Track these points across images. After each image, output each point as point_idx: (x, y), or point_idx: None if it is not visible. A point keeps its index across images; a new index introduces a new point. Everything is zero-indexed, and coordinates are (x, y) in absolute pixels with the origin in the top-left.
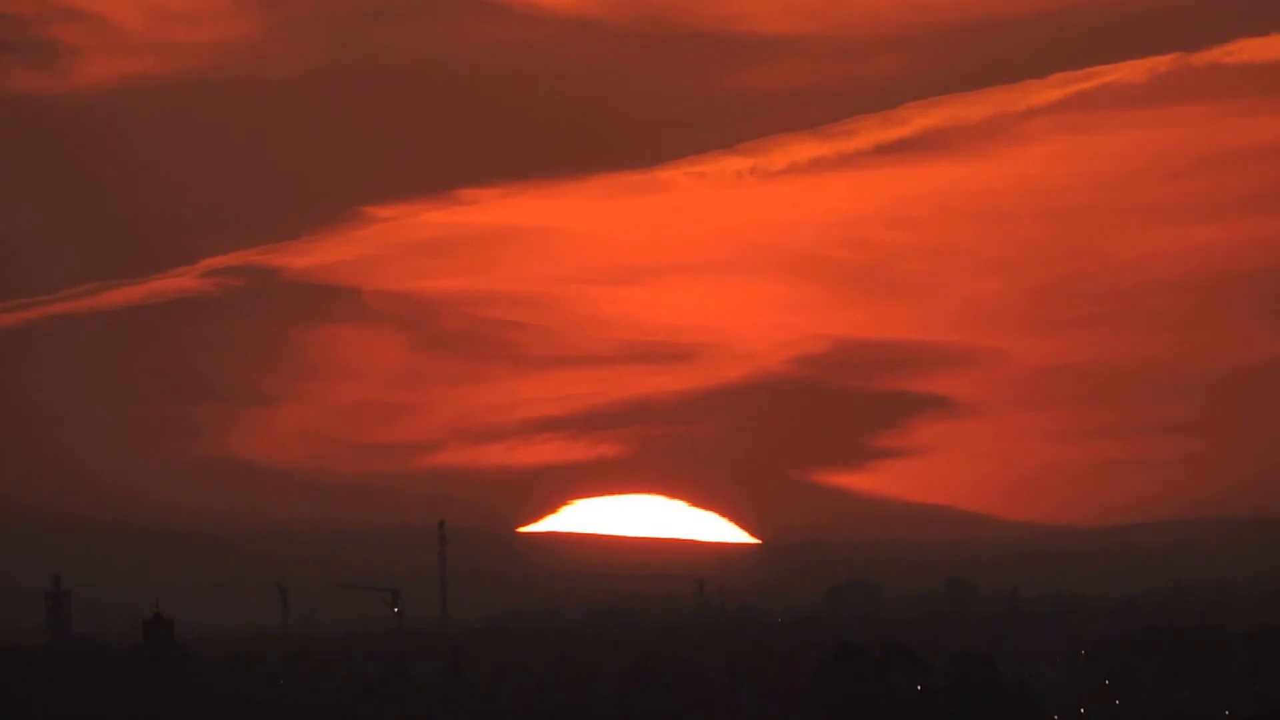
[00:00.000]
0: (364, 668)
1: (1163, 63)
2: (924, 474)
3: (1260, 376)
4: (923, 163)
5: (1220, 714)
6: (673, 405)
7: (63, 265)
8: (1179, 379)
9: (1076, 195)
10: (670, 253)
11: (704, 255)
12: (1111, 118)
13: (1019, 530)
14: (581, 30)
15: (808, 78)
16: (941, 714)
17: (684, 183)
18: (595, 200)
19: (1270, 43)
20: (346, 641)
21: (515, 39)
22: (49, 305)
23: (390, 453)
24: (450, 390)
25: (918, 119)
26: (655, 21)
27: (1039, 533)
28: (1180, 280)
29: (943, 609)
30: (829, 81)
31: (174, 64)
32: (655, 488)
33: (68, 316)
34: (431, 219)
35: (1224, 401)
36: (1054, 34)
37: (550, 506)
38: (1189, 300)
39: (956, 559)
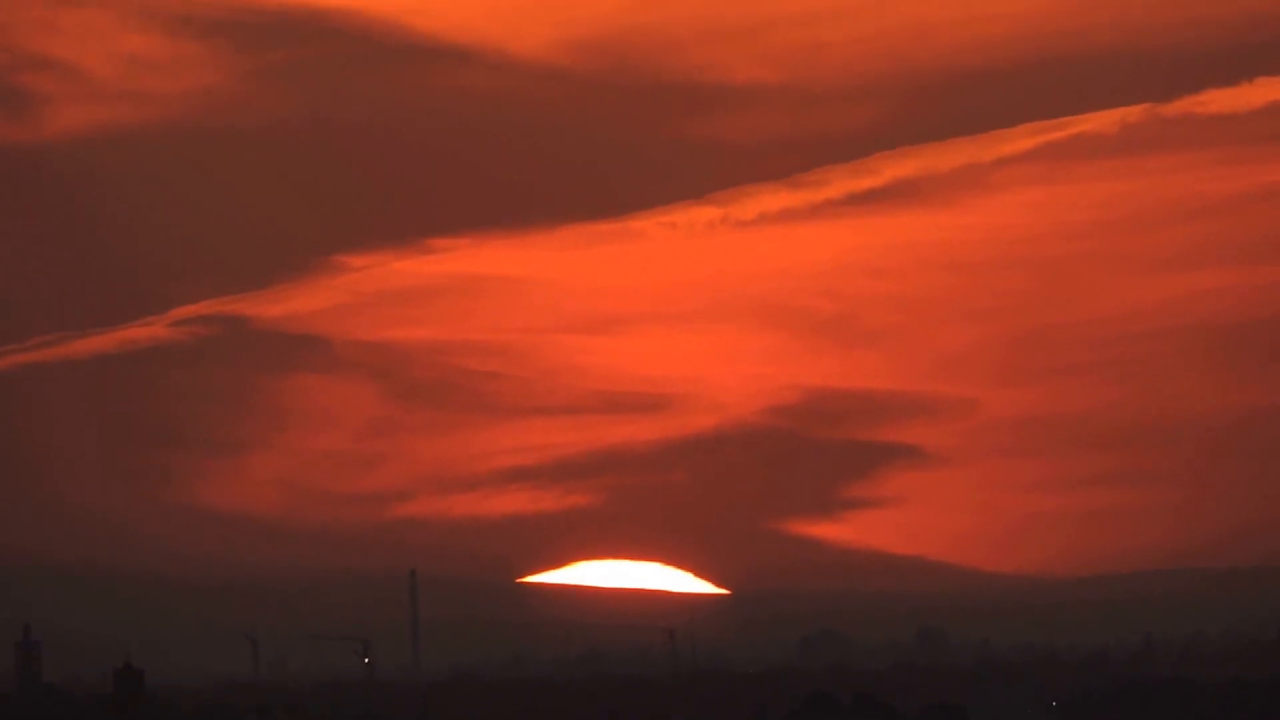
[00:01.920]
0: (334, 718)
1: (1134, 113)
2: (896, 524)
3: (1234, 427)
4: (894, 212)
5: None
6: (644, 455)
7: (32, 314)
8: (1151, 430)
9: (1048, 245)
10: (642, 302)
11: (675, 305)
12: (1083, 168)
13: (990, 581)
14: (551, 80)
15: (778, 127)
16: None
17: (655, 232)
18: (566, 250)
19: (1240, 92)
20: (316, 691)
21: (485, 89)
22: (18, 354)
23: (362, 502)
24: (422, 440)
25: (889, 169)
26: (625, 71)
27: (1010, 583)
28: (1152, 331)
29: (914, 660)
30: (800, 131)
31: (145, 113)
32: (627, 538)
33: (37, 365)
34: (403, 268)
35: (1196, 453)
36: (1024, 84)
37: (522, 556)
38: (1161, 351)
39: (928, 609)
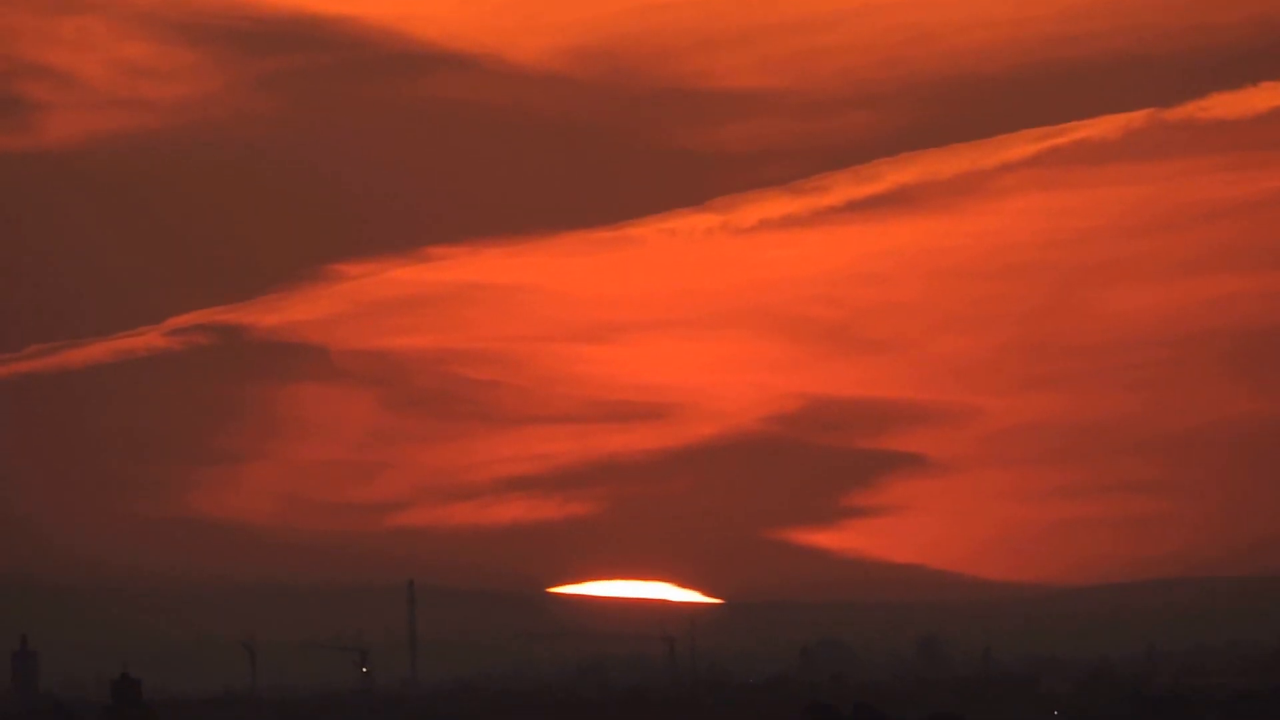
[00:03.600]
0: None
1: (1137, 118)
2: (897, 533)
3: (1240, 436)
4: (896, 219)
5: None
6: (644, 464)
7: (26, 323)
8: (1156, 436)
9: (1051, 251)
10: (641, 310)
11: (675, 313)
12: (1085, 174)
13: (992, 590)
14: (549, 87)
15: (778, 134)
16: None
17: (654, 239)
18: (565, 257)
19: (1244, 96)
20: (314, 702)
21: (482, 96)
22: (12, 364)
23: (359, 511)
24: (420, 449)
25: (890, 175)
26: (623, 78)
27: (1012, 592)
28: (1156, 337)
29: (915, 670)
30: (800, 138)
31: (141, 120)
32: (627, 547)
33: (31, 375)
34: (400, 276)
35: (1201, 461)
36: (1027, 90)
37: (521, 566)
38: (1166, 357)
39: (929, 619)
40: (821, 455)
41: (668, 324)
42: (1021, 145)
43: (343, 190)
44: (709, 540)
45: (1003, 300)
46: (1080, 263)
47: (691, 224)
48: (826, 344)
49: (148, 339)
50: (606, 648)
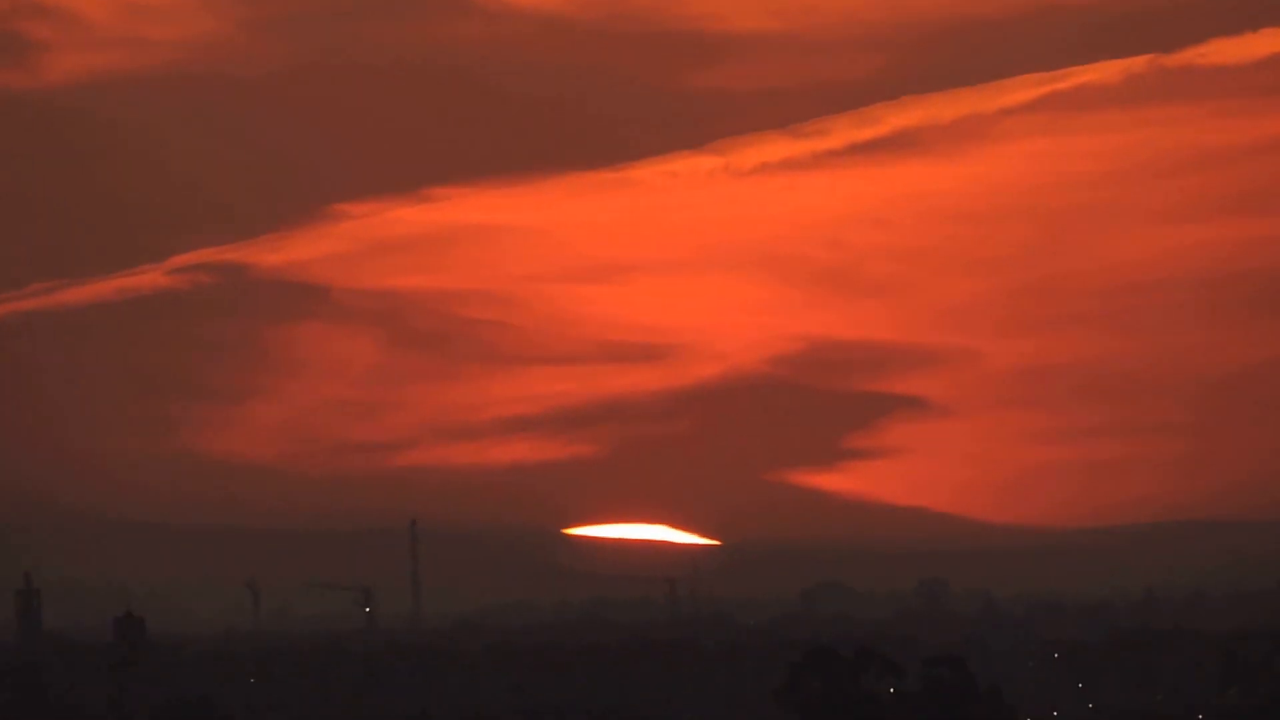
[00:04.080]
0: (335, 667)
1: (1137, 63)
2: (898, 475)
3: (1237, 378)
4: (896, 163)
5: (1193, 716)
6: (646, 405)
7: (29, 261)
8: (1154, 381)
9: (1050, 196)
10: (642, 251)
11: (676, 254)
12: (1086, 119)
13: (993, 532)
14: (551, 28)
15: (779, 76)
16: (914, 717)
17: (655, 181)
18: (566, 198)
19: (1244, 42)
20: (317, 640)
21: (485, 36)
22: (15, 302)
23: (362, 451)
24: (423, 389)
25: (891, 118)
26: (625, 19)
27: (1012, 534)
28: (1155, 281)
29: (916, 611)
30: (801, 80)
31: (144, 60)
32: (628, 487)
33: (34, 313)
34: (402, 216)
35: (1200, 404)
36: (1028, 34)
37: (524, 506)
38: (1164, 302)
39: (930, 560)
40: (823, 397)
41: (669, 265)
42: (1022, 90)
43: (344, 131)
44: (710, 482)
45: (1004, 244)
46: (1080, 207)
47: (692, 166)
48: (827, 286)
49: (150, 277)
50: (608, 589)
